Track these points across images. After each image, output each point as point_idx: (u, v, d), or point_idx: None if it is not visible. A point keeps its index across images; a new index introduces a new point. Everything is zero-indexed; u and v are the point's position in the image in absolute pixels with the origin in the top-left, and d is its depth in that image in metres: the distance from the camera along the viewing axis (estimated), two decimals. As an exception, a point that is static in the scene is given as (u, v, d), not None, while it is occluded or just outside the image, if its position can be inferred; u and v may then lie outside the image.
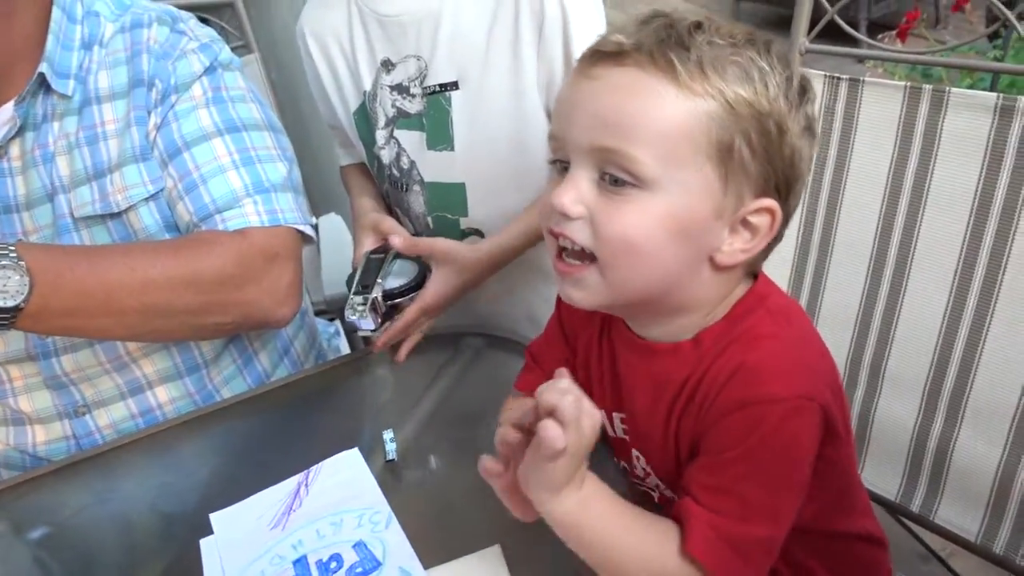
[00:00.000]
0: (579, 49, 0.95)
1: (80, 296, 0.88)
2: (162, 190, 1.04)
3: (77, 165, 1.02)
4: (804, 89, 0.66)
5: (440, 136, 1.08)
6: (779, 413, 0.62)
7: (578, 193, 0.63)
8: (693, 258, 0.65)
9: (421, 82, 1.07)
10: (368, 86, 1.12)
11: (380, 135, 1.13)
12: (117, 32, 1.06)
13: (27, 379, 1.06)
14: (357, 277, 1.01)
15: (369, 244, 1.07)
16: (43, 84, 1.00)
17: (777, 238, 0.67)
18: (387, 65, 1.09)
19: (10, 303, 0.82)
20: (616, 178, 0.62)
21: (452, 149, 1.08)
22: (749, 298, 0.69)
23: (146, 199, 1.03)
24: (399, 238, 1.04)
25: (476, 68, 1.04)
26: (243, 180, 1.04)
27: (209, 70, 1.07)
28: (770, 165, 0.64)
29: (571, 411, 0.59)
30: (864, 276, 1.10)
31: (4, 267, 0.83)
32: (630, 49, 0.62)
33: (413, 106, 1.09)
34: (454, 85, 1.05)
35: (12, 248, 0.84)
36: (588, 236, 0.64)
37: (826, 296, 1.15)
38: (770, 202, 0.64)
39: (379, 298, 0.98)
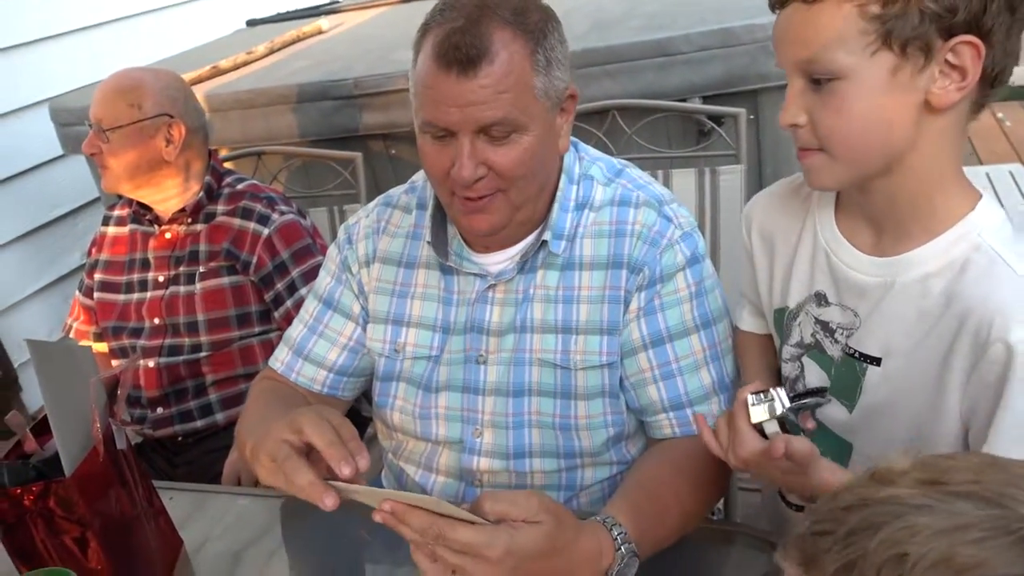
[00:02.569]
0: (1015, 406, 0.85)
1: (653, 548, 1.01)
2: (613, 363, 1.18)
3: (549, 316, 1.19)
4: None
5: (844, 394, 1.05)
6: None
7: None
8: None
9: (847, 335, 1.03)
10: (793, 304, 1.10)
11: (787, 350, 1.13)
12: (607, 203, 1.19)
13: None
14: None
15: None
16: (543, 243, 1.18)
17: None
18: (821, 299, 1.06)
19: None
20: None
21: (850, 412, 1.04)
22: None
23: (597, 367, 1.18)
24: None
25: (902, 360, 0.97)
26: (712, 376, 1.17)
27: (691, 261, 1.17)
28: None
29: None
30: None
31: (633, 558, 0.96)
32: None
33: (832, 350, 1.06)
34: (876, 361, 0.99)
35: (625, 532, 0.97)
36: None
37: None
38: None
39: (780, 392, 0.95)
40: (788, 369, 1.13)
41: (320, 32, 3.35)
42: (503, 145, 1.08)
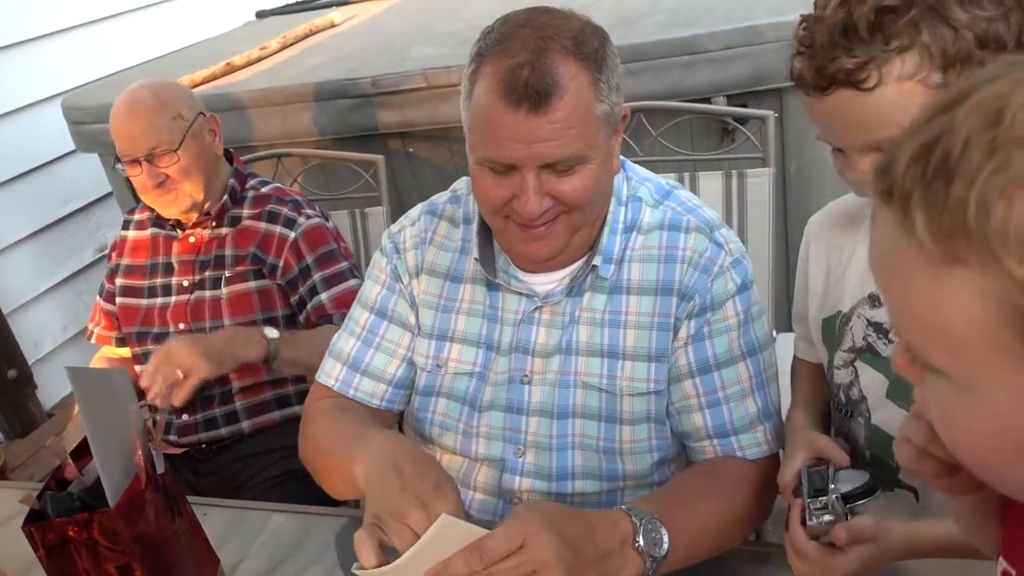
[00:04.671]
0: None
1: (688, 549, 1.00)
2: (661, 391, 1.16)
3: (595, 339, 1.17)
4: None
5: (901, 394, 1.04)
6: None
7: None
8: None
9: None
10: (846, 308, 1.11)
11: (839, 356, 1.13)
12: (655, 227, 1.18)
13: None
14: (805, 487, 1.00)
15: (801, 459, 1.05)
16: (592, 266, 1.16)
17: None
18: (874, 300, 1.07)
19: (661, 553, 0.97)
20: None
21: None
22: None
23: (643, 393, 1.17)
24: (839, 456, 1.02)
25: None
26: (757, 405, 1.16)
27: (741, 289, 1.16)
28: None
29: None
30: None
31: (656, 522, 0.97)
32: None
33: (885, 350, 1.06)
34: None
35: (634, 506, 0.99)
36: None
37: None
38: None
39: (836, 499, 0.96)
40: (841, 376, 1.13)
41: (333, 25, 3.32)
42: (567, 175, 1.06)
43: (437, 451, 1.31)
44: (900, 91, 0.84)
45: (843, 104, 0.87)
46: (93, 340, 1.95)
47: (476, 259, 1.20)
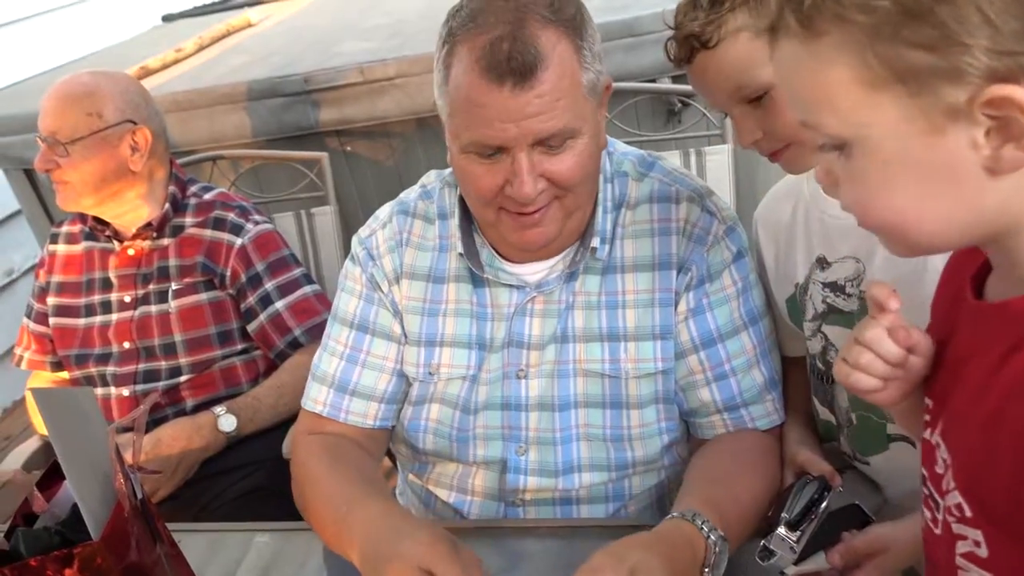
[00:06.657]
0: None
1: (735, 541, 0.96)
2: (668, 370, 1.12)
3: (592, 323, 1.12)
4: None
5: None
6: None
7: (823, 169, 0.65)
8: (956, 186, 0.58)
9: (858, 284, 1.03)
10: (801, 279, 1.11)
11: (807, 327, 1.12)
12: (644, 200, 1.13)
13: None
14: (769, 513, 0.99)
15: (788, 478, 1.06)
16: (585, 247, 1.11)
17: None
18: (822, 263, 1.07)
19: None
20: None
21: None
22: None
23: (651, 374, 1.12)
24: (819, 467, 1.02)
25: (916, 277, 0.95)
26: (763, 374, 1.13)
27: (736, 257, 1.12)
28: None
29: None
30: None
31: (725, 545, 0.92)
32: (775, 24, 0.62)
33: (848, 305, 1.05)
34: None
35: (708, 520, 0.93)
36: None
37: None
38: (996, 91, 0.53)
39: (782, 532, 0.94)
40: (813, 345, 1.13)
41: (249, 25, 3.18)
42: (560, 153, 1.01)
43: (431, 460, 1.24)
44: (737, 43, 0.95)
45: (703, 67, 0.99)
46: (23, 366, 1.79)
47: (460, 254, 1.14)
